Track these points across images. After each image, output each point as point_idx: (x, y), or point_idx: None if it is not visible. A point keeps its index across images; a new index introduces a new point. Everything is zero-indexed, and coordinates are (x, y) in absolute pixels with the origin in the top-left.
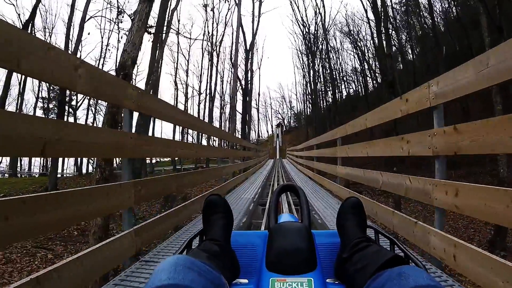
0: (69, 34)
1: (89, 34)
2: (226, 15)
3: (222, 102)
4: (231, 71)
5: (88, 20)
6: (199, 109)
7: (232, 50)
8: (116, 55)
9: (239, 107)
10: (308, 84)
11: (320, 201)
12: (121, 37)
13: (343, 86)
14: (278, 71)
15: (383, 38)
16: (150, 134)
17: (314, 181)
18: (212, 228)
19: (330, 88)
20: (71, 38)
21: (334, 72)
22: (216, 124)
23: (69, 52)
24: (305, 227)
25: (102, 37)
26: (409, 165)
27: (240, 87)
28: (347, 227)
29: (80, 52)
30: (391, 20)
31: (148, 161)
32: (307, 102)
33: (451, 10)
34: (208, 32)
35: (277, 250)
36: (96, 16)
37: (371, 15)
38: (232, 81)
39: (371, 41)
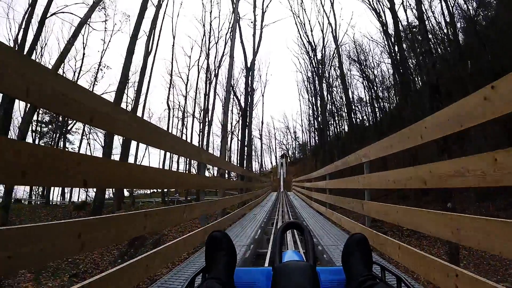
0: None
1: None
2: (226, 34)
3: (224, 132)
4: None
5: (50, 16)
6: (193, 134)
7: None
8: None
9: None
10: (315, 112)
11: None
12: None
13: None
14: (282, 101)
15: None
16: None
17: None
18: (215, 266)
19: (342, 113)
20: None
21: (344, 95)
22: (216, 154)
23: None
24: (310, 267)
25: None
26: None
27: (241, 115)
28: (353, 264)
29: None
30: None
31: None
32: (313, 131)
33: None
34: (207, 50)
35: None
36: (61, 12)
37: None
38: (225, 92)
39: (381, 68)
